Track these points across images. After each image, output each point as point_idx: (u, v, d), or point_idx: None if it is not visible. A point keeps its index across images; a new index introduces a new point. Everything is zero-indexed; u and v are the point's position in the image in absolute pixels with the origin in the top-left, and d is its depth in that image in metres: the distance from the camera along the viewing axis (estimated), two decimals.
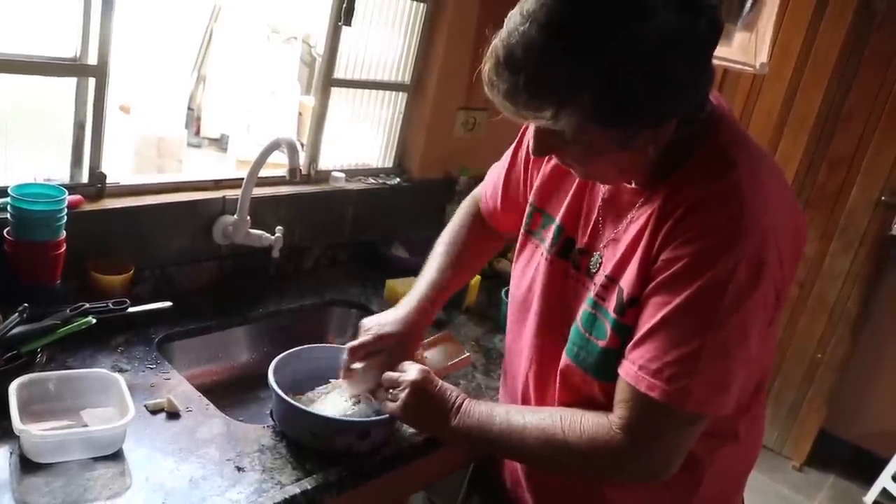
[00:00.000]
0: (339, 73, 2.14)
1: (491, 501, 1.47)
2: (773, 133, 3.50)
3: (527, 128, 1.29)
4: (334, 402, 1.37)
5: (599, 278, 1.12)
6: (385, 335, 1.37)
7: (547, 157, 1.23)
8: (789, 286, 1.07)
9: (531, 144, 1.04)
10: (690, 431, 1.05)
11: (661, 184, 1.06)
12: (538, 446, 1.12)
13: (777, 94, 3.47)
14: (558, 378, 1.19)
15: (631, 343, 1.04)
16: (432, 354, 1.38)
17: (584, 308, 1.14)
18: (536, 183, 1.28)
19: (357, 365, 1.36)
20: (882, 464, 3.44)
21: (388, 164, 2.42)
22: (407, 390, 1.24)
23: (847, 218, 3.42)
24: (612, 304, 1.09)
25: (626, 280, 1.07)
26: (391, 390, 1.28)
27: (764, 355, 1.11)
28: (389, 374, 1.29)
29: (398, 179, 2.37)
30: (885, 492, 3.41)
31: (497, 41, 0.94)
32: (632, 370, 1.03)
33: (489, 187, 1.46)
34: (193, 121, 5.95)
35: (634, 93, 0.91)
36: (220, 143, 5.86)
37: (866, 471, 3.54)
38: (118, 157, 1.65)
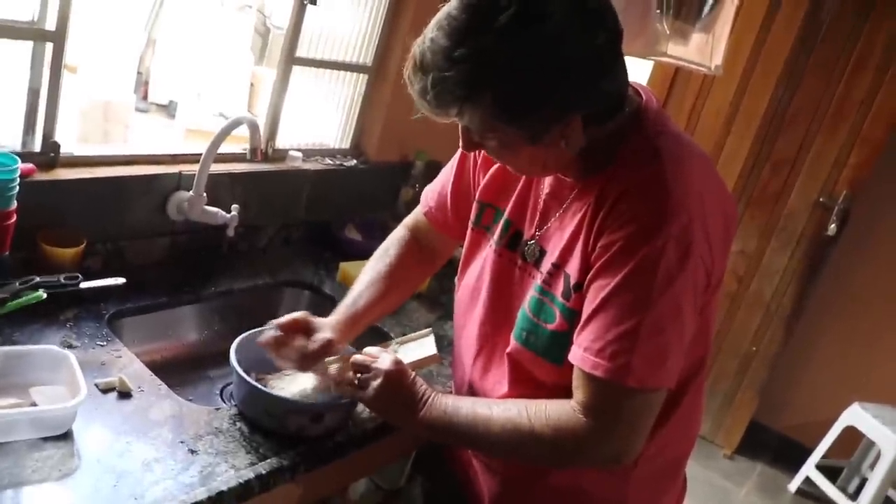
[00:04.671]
0: (301, 52, 2.11)
1: (435, 480, 1.51)
2: (721, 132, 3.59)
3: None
4: (301, 383, 1.36)
5: (546, 266, 1.18)
6: (317, 320, 1.38)
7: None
8: (721, 269, 1.14)
9: (461, 141, 1.12)
10: (645, 408, 1.09)
11: (595, 176, 1.13)
12: (504, 435, 1.15)
13: (726, 93, 3.54)
14: (507, 362, 1.23)
15: (577, 329, 1.10)
16: (403, 349, 1.38)
17: (531, 294, 1.20)
18: (483, 181, 1.33)
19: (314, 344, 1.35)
20: (807, 453, 3.60)
21: (346, 144, 2.41)
22: (379, 380, 1.22)
23: (787, 217, 3.53)
24: (559, 290, 1.15)
25: (572, 267, 1.13)
26: (359, 374, 1.26)
27: (700, 336, 1.16)
28: (359, 358, 1.27)
29: (355, 161, 2.35)
30: (808, 480, 3.56)
31: (415, 46, 1.04)
32: (578, 353, 1.09)
33: (433, 199, 1.47)
34: (141, 85, 5.78)
35: (530, 92, 1.00)
36: (168, 109, 5.70)
37: (792, 460, 3.69)
38: (63, 119, 1.59)
